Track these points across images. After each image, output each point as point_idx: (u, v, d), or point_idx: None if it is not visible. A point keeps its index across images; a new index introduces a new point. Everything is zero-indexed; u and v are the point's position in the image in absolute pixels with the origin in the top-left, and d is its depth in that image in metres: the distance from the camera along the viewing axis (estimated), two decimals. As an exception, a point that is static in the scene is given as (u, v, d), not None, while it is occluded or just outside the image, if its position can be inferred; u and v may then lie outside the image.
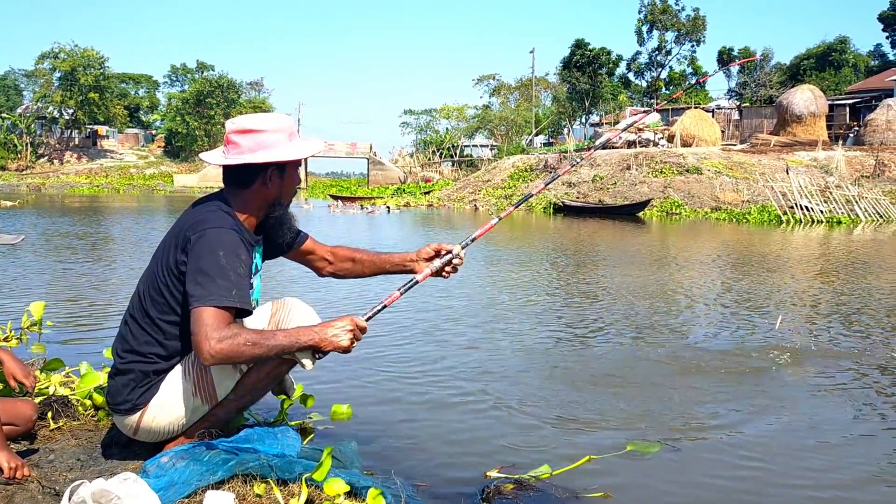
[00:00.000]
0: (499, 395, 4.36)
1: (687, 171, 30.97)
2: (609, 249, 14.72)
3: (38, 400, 3.11)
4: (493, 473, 3.09)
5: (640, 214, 27.89)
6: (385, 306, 2.69)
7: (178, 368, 2.54)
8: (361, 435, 3.62)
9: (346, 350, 2.48)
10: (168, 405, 2.52)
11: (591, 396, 4.38)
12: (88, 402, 3.12)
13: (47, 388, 3.21)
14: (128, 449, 2.74)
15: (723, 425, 3.91)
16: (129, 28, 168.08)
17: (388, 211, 29.83)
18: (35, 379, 2.71)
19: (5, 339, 5.19)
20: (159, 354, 2.51)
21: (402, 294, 2.72)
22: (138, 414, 2.52)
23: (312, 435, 3.53)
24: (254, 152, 2.43)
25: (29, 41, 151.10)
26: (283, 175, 2.56)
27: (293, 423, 3.61)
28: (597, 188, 31.58)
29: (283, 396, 3.57)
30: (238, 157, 2.44)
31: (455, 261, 2.92)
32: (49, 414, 3.03)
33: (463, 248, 2.92)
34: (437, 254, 2.93)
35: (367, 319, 2.60)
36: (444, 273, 2.92)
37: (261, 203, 2.56)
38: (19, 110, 73.20)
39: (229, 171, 2.50)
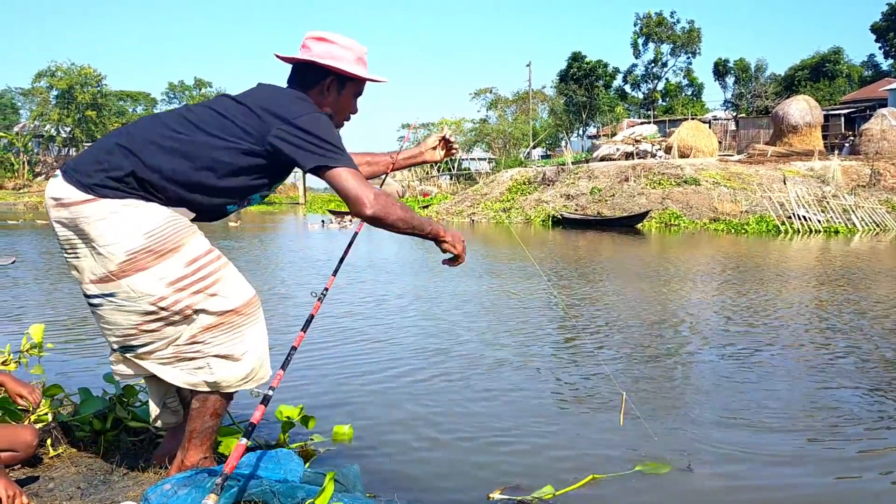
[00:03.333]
0: (501, 413, 4.35)
1: (685, 182, 31.00)
2: (608, 262, 14.71)
3: (38, 426, 3.09)
4: (496, 495, 3.08)
5: (639, 226, 27.90)
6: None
7: (165, 209, 2.42)
8: (363, 455, 3.62)
9: (457, 258, 2.69)
10: (133, 220, 2.35)
11: (597, 415, 4.36)
12: (88, 429, 3.10)
13: (46, 414, 3.19)
14: (129, 476, 2.72)
15: (737, 446, 3.83)
16: (126, 46, 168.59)
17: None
18: (40, 393, 2.69)
19: (4, 363, 5.17)
20: (178, 181, 2.41)
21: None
22: (91, 201, 2.35)
23: (314, 457, 3.51)
24: (320, 57, 2.57)
25: (25, 59, 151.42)
26: (341, 91, 2.65)
27: (295, 444, 3.60)
28: (595, 200, 31.59)
29: (285, 419, 3.57)
30: (305, 55, 2.59)
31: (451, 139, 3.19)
32: (49, 441, 3.01)
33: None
34: (443, 141, 3.19)
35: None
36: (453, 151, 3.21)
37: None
38: (16, 129, 73.25)
39: (296, 71, 2.64)
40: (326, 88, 2.63)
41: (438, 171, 62.04)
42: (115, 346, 2.50)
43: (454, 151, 3.22)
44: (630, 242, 20.91)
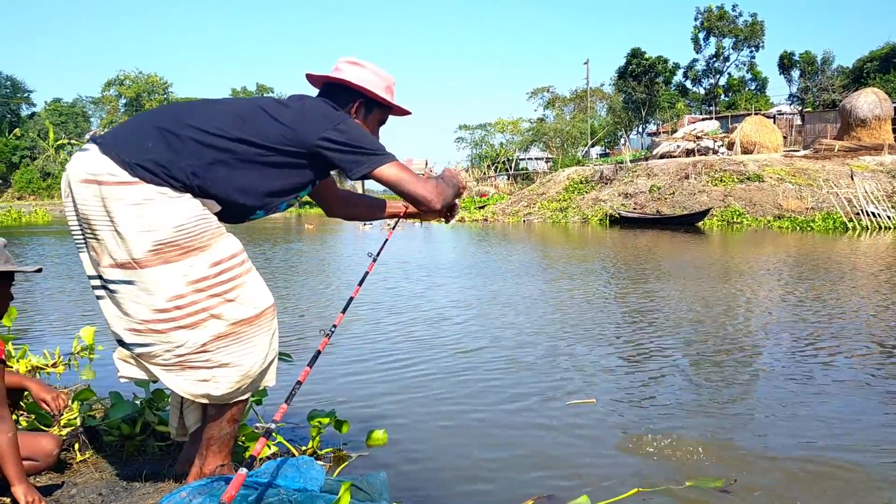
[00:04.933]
0: (540, 415, 4.21)
1: (748, 178, 30.21)
2: (668, 261, 14.34)
3: (66, 431, 3.08)
4: (529, 507, 2.95)
5: (700, 224, 27.29)
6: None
7: (196, 204, 2.38)
8: (396, 461, 3.53)
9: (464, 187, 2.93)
10: (165, 210, 2.31)
11: (649, 421, 4.16)
12: (116, 433, 3.08)
13: (76, 418, 3.19)
14: (151, 484, 2.68)
15: (801, 463, 3.55)
16: (191, 53, 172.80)
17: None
18: (65, 399, 2.67)
19: (53, 366, 5.24)
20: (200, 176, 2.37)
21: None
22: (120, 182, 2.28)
23: (346, 463, 3.44)
24: (352, 77, 2.64)
25: (95, 69, 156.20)
26: (367, 116, 2.70)
27: (326, 450, 3.53)
28: (654, 198, 31.02)
29: (316, 423, 3.50)
30: (338, 74, 2.66)
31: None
32: (76, 445, 3.00)
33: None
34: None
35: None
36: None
37: None
38: (87, 136, 75.57)
39: (326, 91, 2.69)
40: (354, 110, 2.68)
41: (496, 171, 61.88)
42: (119, 339, 2.44)
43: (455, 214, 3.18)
44: (691, 241, 20.43)
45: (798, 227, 24.91)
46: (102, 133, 2.46)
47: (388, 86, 2.72)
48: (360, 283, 2.76)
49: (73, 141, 71.97)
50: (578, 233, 26.10)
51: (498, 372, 5.29)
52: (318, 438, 3.47)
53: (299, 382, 2.36)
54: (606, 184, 34.23)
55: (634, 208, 30.59)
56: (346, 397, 4.52)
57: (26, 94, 74.60)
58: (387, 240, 3.15)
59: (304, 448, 3.41)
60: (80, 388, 3.53)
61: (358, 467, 3.39)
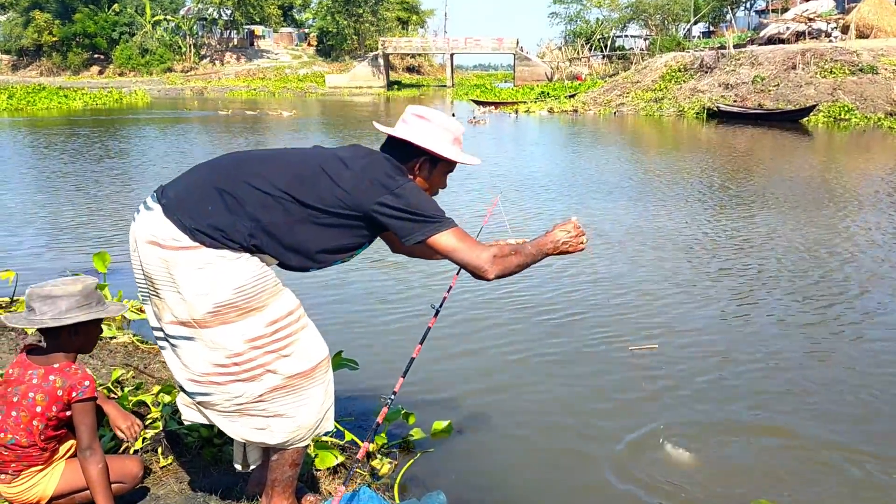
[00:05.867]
0: (605, 413, 4.19)
1: (861, 70, 28.13)
2: (769, 176, 13.62)
3: (149, 434, 3.31)
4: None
5: (804, 121, 25.87)
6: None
7: (255, 264, 2.45)
8: (457, 456, 3.67)
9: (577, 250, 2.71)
10: (225, 274, 2.39)
11: (751, 424, 4.02)
12: (196, 436, 3.28)
13: (157, 422, 3.40)
14: (224, 502, 2.88)
15: None
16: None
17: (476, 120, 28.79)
18: (138, 429, 2.85)
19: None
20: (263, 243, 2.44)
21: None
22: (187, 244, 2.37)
23: (415, 458, 3.60)
24: (417, 137, 2.60)
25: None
26: (432, 171, 2.69)
27: (394, 442, 3.69)
28: (757, 90, 29.39)
29: (385, 421, 3.64)
30: (403, 132, 2.62)
31: None
32: (160, 449, 3.22)
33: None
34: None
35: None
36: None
37: None
38: (182, 12, 76.45)
39: (391, 145, 2.68)
40: (418, 167, 2.65)
41: (590, 49, 59.61)
42: (181, 387, 2.58)
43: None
44: (794, 144, 19.47)
45: (912, 127, 23.33)
46: (165, 189, 2.51)
47: (455, 138, 2.69)
48: (422, 342, 2.88)
49: (168, 17, 72.87)
50: (673, 129, 25.21)
51: (578, 350, 5.21)
52: (384, 435, 3.61)
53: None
54: (706, 73, 32.53)
55: (735, 101, 29.12)
56: (415, 383, 4.39)
57: (122, -30, 75.31)
58: (450, 287, 3.13)
59: (371, 445, 3.55)
60: (166, 384, 3.74)
61: (421, 467, 3.55)
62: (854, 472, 3.60)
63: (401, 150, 2.63)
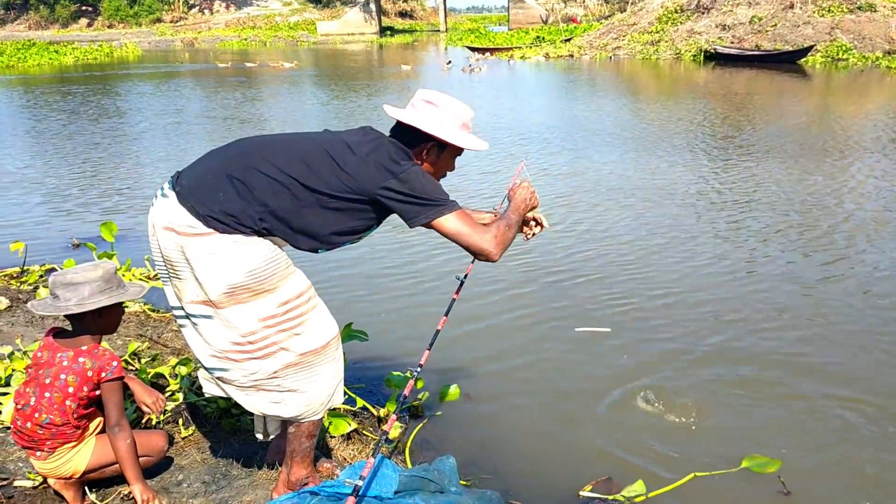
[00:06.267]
0: (602, 386, 4.17)
1: (859, 7, 27.88)
2: (766, 122, 13.59)
3: (169, 406, 3.46)
4: (586, 493, 3.20)
5: (802, 62, 25.70)
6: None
7: (267, 247, 2.55)
8: (466, 419, 3.82)
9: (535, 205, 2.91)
10: (238, 257, 2.50)
11: (707, 401, 4.03)
12: (214, 406, 3.43)
13: (178, 394, 3.55)
14: (246, 471, 3.04)
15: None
16: None
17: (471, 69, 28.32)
18: (162, 404, 3.00)
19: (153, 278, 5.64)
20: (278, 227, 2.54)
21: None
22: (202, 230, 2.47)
23: (424, 422, 3.77)
24: (425, 122, 2.67)
25: None
26: (440, 155, 2.75)
27: (405, 406, 3.84)
28: (754, 31, 29.13)
29: (394, 387, 3.79)
30: (412, 118, 2.69)
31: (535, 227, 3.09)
32: (180, 421, 3.38)
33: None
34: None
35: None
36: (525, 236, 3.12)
37: None
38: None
39: (400, 129, 2.75)
40: (426, 151, 2.71)
41: (586, -11, 58.71)
42: (201, 363, 2.73)
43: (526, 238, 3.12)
44: (792, 87, 19.39)
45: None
46: (180, 176, 2.60)
47: (464, 123, 2.74)
48: (447, 314, 3.02)
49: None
50: (670, 73, 25.03)
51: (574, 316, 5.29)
52: (394, 400, 3.77)
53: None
54: (703, 13, 32.18)
55: (732, 42, 28.87)
56: (422, 349, 4.57)
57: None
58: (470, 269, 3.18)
59: (381, 411, 3.71)
60: (182, 355, 3.88)
61: (430, 431, 3.70)
62: (854, 421, 3.76)
63: (409, 135, 2.69)
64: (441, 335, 2.68)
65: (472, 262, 3.11)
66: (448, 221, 2.58)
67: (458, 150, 2.79)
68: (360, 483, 2.42)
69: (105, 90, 21.75)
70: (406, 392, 2.74)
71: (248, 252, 2.51)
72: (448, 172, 2.85)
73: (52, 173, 10.04)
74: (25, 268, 5.73)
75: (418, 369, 2.80)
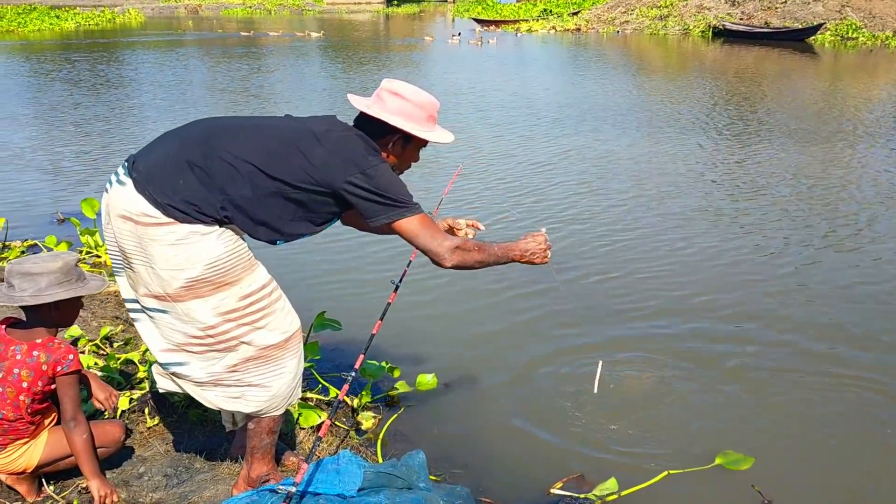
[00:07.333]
0: (579, 385, 3.99)
1: (871, -15, 27.38)
2: (774, 103, 13.37)
3: (136, 395, 3.39)
4: (556, 490, 3.14)
5: (810, 40, 25.34)
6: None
7: (227, 238, 2.46)
8: (442, 409, 3.78)
9: (542, 262, 2.79)
10: (197, 249, 2.40)
11: (683, 398, 3.95)
12: (181, 394, 3.34)
13: (144, 383, 3.48)
14: (209, 464, 2.97)
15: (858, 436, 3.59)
16: None
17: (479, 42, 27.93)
18: (116, 400, 2.91)
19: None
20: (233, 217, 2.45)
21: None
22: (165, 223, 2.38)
23: (399, 413, 3.71)
24: (392, 114, 2.60)
25: None
26: (406, 147, 2.70)
27: (378, 396, 3.77)
28: (764, 7, 28.68)
29: (368, 376, 3.73)
30: (378, 111, 2.61)
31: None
32: (146, 410, 3.31)
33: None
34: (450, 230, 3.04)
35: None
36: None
37: None
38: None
39: (365, 119, 2.67)
40: (392, 143, 2.65)
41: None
42: (156, 358, 2.64)
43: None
44: (800, 66, 19.10)
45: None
46: (136, 161, 2.49)
47: (430, 115, 2.67)
48: (382, 318, 2.91)
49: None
50: (678, 50, 24.70)
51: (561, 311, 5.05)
52: (369, 388, 3.70)
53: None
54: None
55: (741, 19, 28.46)
56: (399, 337, 4.42)
57: None
58: (409, 262, 3.17)
59: (356, 400, 3.64)
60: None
61: (405, 422, 3.63)
62: (831, 417, 3.74)
63: (374, 126, 2.61)
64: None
65: (408, 265, 3.15)
66: (409, 223, 2.52)
67: (424, 143, 2.72)
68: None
69: (106, 58, 21.57)
70: (341, 396, 2.66)
71: (209, 243, 2.41)
72: (413, 164, 2.78)
73: (46, 147, 9.90)
74: (6, 243, 5.64)
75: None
